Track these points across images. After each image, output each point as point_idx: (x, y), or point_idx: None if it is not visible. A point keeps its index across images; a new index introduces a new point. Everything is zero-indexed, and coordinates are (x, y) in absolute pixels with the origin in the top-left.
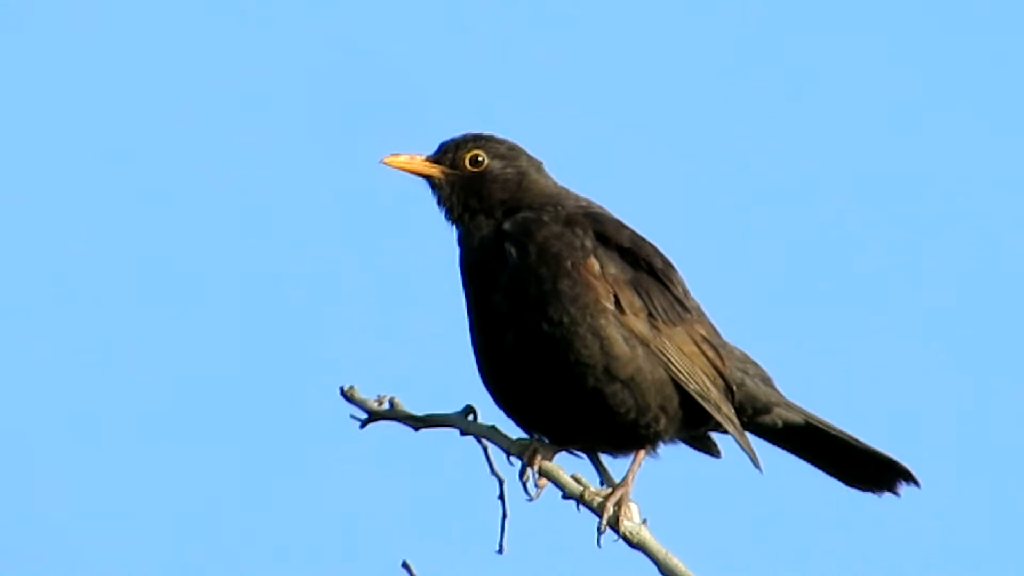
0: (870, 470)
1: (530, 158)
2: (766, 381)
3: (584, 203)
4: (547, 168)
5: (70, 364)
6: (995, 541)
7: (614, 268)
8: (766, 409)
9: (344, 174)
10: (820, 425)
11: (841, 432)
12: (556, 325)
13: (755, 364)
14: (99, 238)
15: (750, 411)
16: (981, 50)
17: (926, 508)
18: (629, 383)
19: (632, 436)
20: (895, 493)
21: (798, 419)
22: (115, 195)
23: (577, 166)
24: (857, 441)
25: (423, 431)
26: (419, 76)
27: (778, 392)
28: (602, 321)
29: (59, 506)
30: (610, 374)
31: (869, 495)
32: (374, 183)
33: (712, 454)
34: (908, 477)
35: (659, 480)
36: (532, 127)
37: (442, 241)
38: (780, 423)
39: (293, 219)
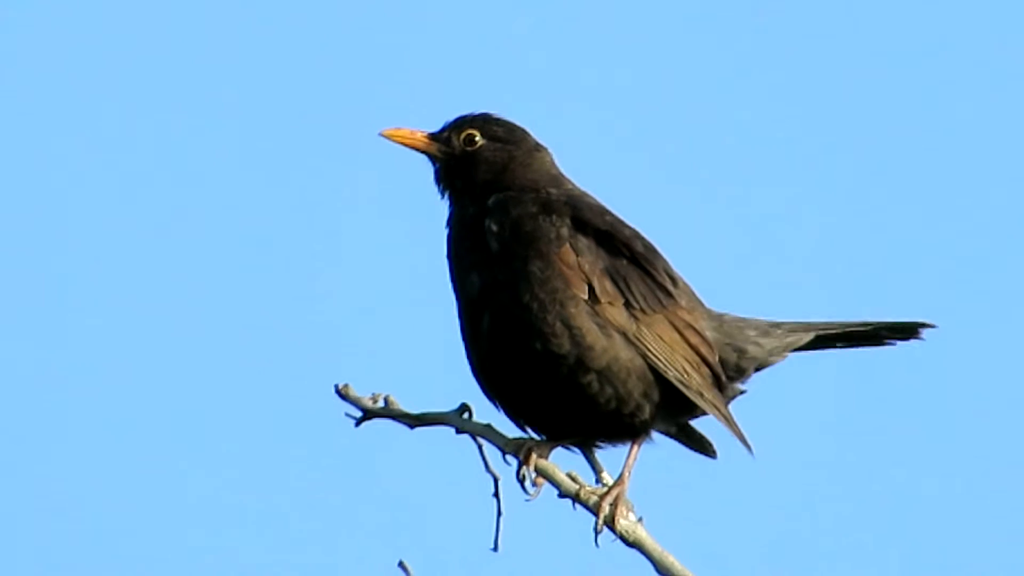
0: (888, 334)
1: (531, 145)
2: (766, 333)
3: (578, 193)
4: (556, 158)
5: (66, 364)
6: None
7: (590, 255)
8: (771, 356)
9: (340, 170)
10: (830, 329)
11: (850, 323)
12: (525, 308)
13: (750, 324)
14: (92, 235)
15: (752, 371)
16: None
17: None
18: (605, 373)
19: (618, 426)
20: (919, 338)
21: (807, 338)
22: (105, 191)
23: (581, 159)
24: (867, 323)
25: (418, 429)
26: (424, 67)
27: (779, 332)
28: (572, 310)
29: (50, 507)
30: (583, 365)
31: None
32: (370, 180)
33: (708, 455)
34: (923, 325)
35: (655, 478)
36: (552, 116)
37: (435, 236)
38: (790, 353)
39: (287, 216)
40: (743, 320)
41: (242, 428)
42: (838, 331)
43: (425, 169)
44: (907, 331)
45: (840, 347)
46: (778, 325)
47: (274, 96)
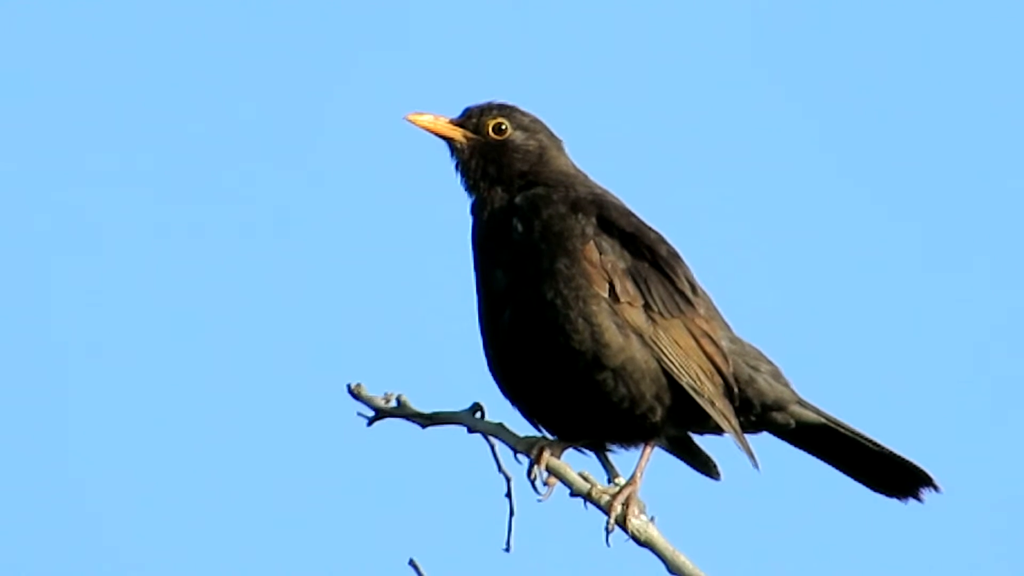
0: (891, 474)
1: (551, 135)
2: (778, 378)
3: (599, 191)
4: (566, 149)
5: (84, 364)
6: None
7: (613, 255)
8: (777, 407)
9: (353, 168)
10: (837, 427)
11: (859, 435)
12: (548, 305)
13: (768, 361)
14: (103, 230)
15: (759, 408)
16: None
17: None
18: (620, 372)
19: (631, 427)
20: (919, 499)
21: (813, 419)
22: (111, 183)
23: (593, 154)
24: (876, 444)
25: (430, 429)
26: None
27: (792, 390)
28: (593, 307)
29: (62, 506)
30: (599, 362)
31: (893, 501)
32: (383, 180)
33: (712, 476)
34: (929, 483)
35: (667, 478)
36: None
37: (449, 236)
38: (793, 422)
39: (300, 214)
40: (760, 353)
41: (254, 427)
42: (847, 433)
43: (436, 168)
44: (909, 480)
45: (835, 464)
46: (790, 385)
47: (280, 93)
